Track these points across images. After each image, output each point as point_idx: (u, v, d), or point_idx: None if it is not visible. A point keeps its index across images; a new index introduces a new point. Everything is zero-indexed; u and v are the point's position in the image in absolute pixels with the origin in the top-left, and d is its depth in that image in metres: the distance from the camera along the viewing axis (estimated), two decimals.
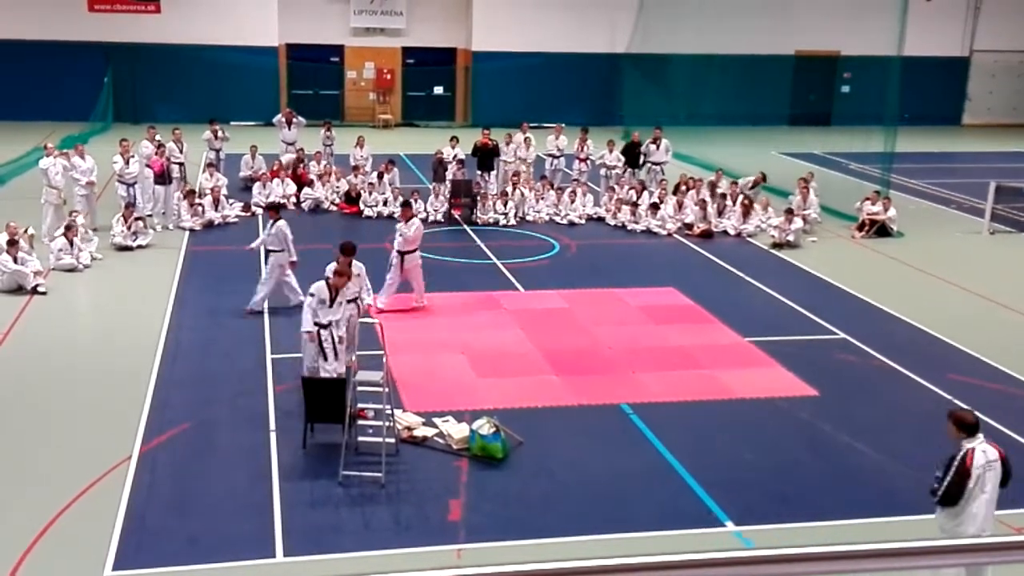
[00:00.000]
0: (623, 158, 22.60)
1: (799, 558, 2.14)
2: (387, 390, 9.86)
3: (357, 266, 11.52)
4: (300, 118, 23.59)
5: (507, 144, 22.78)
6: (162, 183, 19.21)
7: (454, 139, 22.89)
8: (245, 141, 23.55)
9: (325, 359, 10.51)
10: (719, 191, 21.29)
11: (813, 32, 35.22)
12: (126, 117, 30.21)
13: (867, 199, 20.70)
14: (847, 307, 15.50)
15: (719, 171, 22.37)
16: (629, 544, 8.48)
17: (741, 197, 20.61)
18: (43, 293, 14.82)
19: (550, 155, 23.19)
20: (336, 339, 10.60)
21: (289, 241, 14.19)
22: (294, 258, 14.25)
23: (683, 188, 21.05)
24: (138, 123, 27.90)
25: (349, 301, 10.98)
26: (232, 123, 27.67)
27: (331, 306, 10.64)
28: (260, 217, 19.92)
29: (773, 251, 18.84)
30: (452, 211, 20.31)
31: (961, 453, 7.37)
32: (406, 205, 15.44)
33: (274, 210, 14.71)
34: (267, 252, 14.59)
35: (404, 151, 27.55)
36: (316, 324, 10.58)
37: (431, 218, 20.12)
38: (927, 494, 7.57)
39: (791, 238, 19.07)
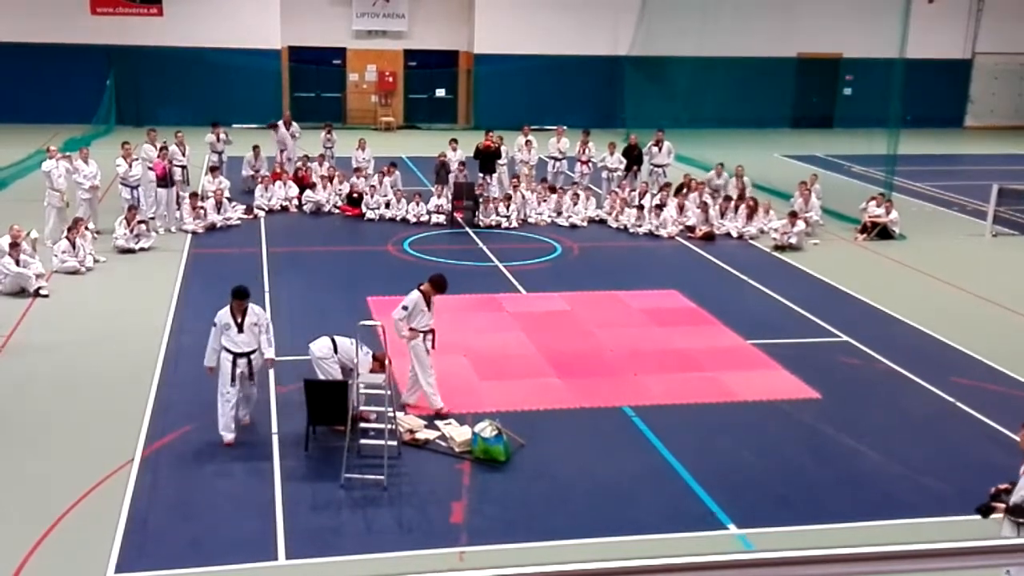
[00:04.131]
0: (624, 160, 22.60)
1: (801, 561, 2.14)
2: (389, 392, 9.86)
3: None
4: (282, 125, 23.59)
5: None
6: (164, 186, 19.22)
7: (453, 141, 22.88)
8: (247, 144, 23.56)
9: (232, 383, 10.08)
10: (721, 192, 21.37)
11: (815, 34, 35.22)
12: (128, 120, 30.23)
13: (872, 199, 20.68)
14: (849, 310, 15.49)
15: (719, 165, 22.48)
16: (631, 546, 8.48)
17: (747, 199, 20.61)
18: (45, 296, 14.82)
19: (552, 158, 23.19)
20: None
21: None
22: None
23: (685, 191, 21.06)
24: (140, 126, 27.85)
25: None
26: (234, 126, 27.65)
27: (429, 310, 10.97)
28: (262, 220, 19.99)
29: (775, 253, 18.83)
30: (454, 213, 20.32)
31: None
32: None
33: None
34: None
35: (406, 153, 27.56)
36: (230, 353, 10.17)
37: (433, 220, 20.20)
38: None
39: (793, 240, 19.05)
